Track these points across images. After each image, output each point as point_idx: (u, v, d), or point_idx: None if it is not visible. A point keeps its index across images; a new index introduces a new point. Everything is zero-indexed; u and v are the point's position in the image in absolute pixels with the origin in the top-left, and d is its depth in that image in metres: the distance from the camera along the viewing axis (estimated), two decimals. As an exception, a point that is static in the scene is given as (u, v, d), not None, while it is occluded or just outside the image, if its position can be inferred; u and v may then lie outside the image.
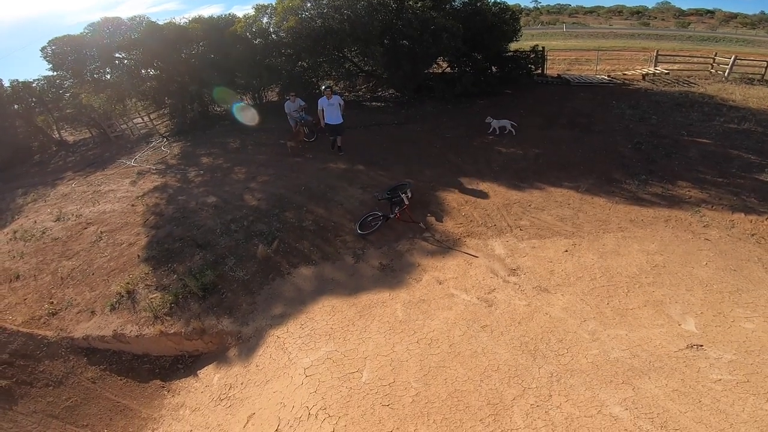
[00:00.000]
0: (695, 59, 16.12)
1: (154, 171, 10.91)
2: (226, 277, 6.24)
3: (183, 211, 8.13)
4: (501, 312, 4.85)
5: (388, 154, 9.44)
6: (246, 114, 13.26)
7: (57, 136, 18.54)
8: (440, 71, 14.49)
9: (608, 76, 14.75)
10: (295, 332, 5.12)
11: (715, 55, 14.88)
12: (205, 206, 8.20)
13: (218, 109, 15.35)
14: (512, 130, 9.87)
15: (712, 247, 5.66)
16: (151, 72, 13.99)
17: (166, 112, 15.08)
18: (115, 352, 5.81)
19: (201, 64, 13.08)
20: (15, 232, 8.67)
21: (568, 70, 17.19)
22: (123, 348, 5.81)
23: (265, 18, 13.23)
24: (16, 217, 10.05)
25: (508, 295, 5.12)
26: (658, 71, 14.32)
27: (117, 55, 12.77)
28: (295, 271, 6.25)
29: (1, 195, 12.35)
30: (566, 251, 5.83)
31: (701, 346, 4.08)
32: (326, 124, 8.81)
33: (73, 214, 9.04)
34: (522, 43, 15.34)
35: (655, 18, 51.04)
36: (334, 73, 14.09)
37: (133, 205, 8.86)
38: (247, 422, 4.31)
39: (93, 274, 6.86)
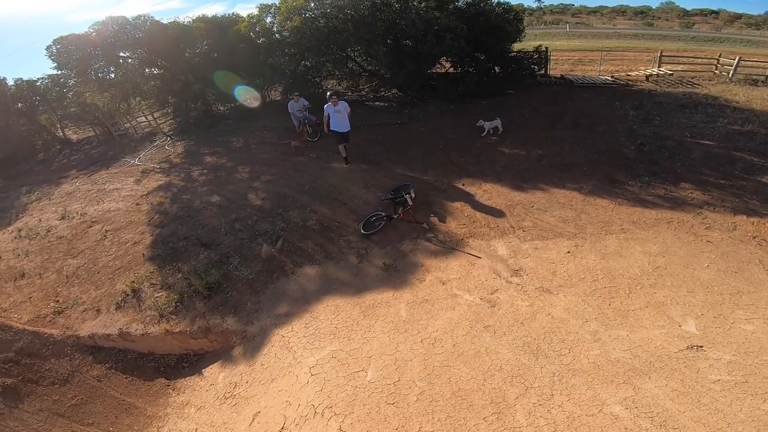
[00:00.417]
0: (699, 60, 15.99)
1: (158, 170, 10.98)
2: (231, 277, 6.29)
3: (187, 210, 8.19)
4: (504, 312, 4.88)
5: (391, 154, 9.47)
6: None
7: (61, 134, 18.65)
8: (443, 71, 14.47)
9: (612, 76, 14.71)
10: (299, 331, 5.17)
11: (719, 56, 14.74)
12: (210, 205, 8.25)
13: (221, 108, 15.42)
14: (499, 127, 9.96)
15: (713, 249, 5.68)
16: (155, 71, 14.06)
17: (169, 111, 15.17)
18: (121, 351, 5.87)
19: (204, 63, 13.14)
20: (20, 231, 8.74)
21: (571, 70, 17.15)
22: (128, 346, 5.87)
23: (268, 17, 13.31)
24: (21, 215, 10.13)
25: (510, 296, 5.15)
26: (661, 72, 14.26)
27: (121, 54, 12.85)
28: (299, 270, 6.29)
29: (6, 193, 12.45)
30: (569, 252, 5.85)
31: (701, 347, 4.11)
32: (333, 131, 8.57)
33: (77, 213, 9.11)
34: (525, 43, 15.29)
35: (659, 18, 50.86)
36: (337, 73, 14.09)
37: (137, 204, 8.92)
38: (252, 420, 4.35)
39: (98, 272, 6.92)
